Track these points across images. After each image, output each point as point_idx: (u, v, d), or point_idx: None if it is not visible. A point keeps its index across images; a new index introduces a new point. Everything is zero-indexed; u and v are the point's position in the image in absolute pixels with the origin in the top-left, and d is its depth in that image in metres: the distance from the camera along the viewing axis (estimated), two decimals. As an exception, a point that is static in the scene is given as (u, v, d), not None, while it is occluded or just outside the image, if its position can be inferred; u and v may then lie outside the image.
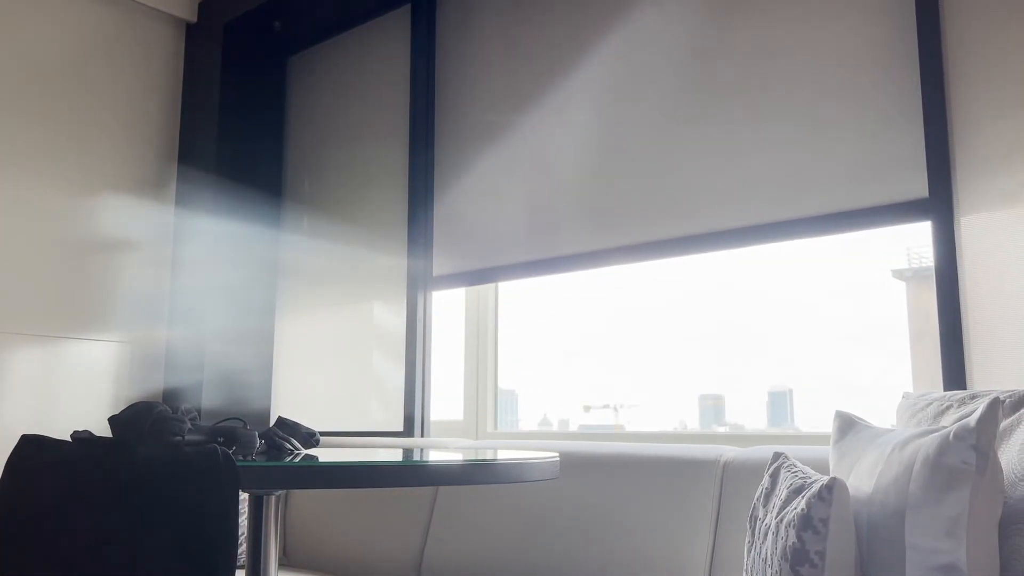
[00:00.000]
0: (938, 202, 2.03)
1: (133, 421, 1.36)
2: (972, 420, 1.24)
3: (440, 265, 3.07)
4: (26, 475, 1.34)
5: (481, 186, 2.98)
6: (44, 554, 1.28)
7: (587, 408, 2.93)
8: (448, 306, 3.25)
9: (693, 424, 2.72)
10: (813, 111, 2.29)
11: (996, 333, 1.91)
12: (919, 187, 2.08)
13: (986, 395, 1.32)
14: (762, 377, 2.62)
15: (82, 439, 1.39)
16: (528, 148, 2.87)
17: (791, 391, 2.60)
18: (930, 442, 1.27)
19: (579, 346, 3.02)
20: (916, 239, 2.24)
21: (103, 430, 1.39)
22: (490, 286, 3.08)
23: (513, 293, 3.12)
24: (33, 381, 3.04)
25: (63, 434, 1.41)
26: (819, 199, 2.25)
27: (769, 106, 2.38)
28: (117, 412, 1.38)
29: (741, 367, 2.64)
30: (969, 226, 1.99)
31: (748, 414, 2.66)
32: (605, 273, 2.85)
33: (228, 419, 1.54)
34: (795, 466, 1.45)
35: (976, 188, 1.99)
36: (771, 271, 2.61)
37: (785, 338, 2.59)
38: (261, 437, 1.63)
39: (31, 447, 1.36)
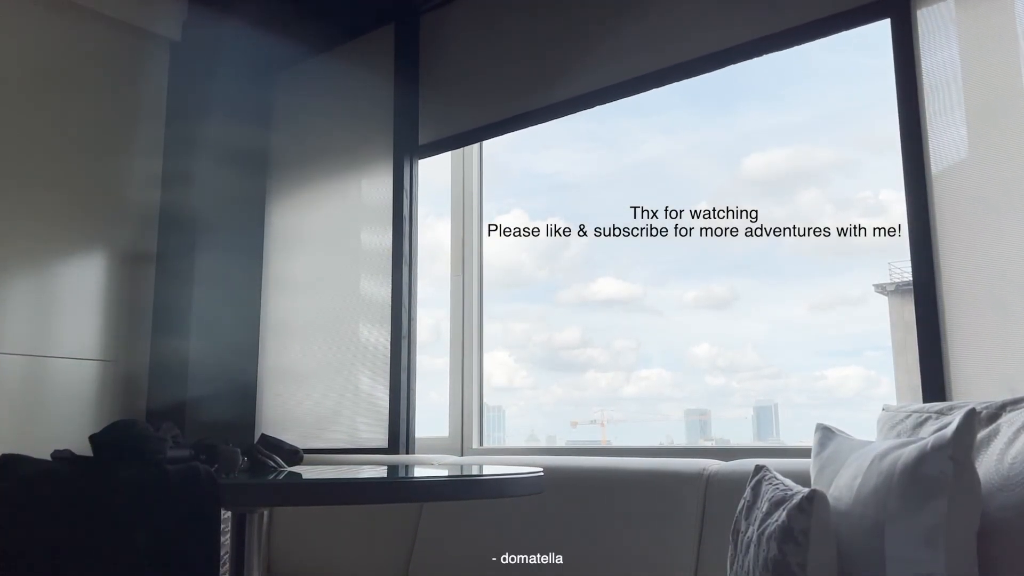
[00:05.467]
0: None
1: (114, 440, 1.35)
2: (949, 431, 1.25)
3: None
4: (5, 494, 1.33)
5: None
6: (23, 574, 1.27)
7: (574, 424, 2.93)
8: (436, 321, 3.25)
9: (680, 439, 2.72)
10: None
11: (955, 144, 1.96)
12: None
13: (963, 407, 1.33)
14: (748, 391, 2.63)
15: (62, 458, 1.38)
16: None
17: (776, 405, 2.61)
18: (908, 453, 1.28)
19: (567, 361, 3.02)
20: (897, 255, 2.26)
21: (84, 449, 1.38)
22: (475, 303, 3.08)
23: (497, 313, 3.12)
24: (13, 400, 3.01)
25: (43, 453, 1.40)
26: (779, 14, 2.30)
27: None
28: (98, 431, 1.37)
29: (727, 382, 2.66)
30: (925, 19, 2.02)
31: (734, 428, 2.66)
32: (596, 284, 2.86)
33: (211, 436, 1.53)
34: (776, 479, 1.46)
35: None
36: (761, 278, 2.63)
37: (771, 353, 2.60)
38: (244, 454, 1.62)
39: (10, 466, 1.35)
